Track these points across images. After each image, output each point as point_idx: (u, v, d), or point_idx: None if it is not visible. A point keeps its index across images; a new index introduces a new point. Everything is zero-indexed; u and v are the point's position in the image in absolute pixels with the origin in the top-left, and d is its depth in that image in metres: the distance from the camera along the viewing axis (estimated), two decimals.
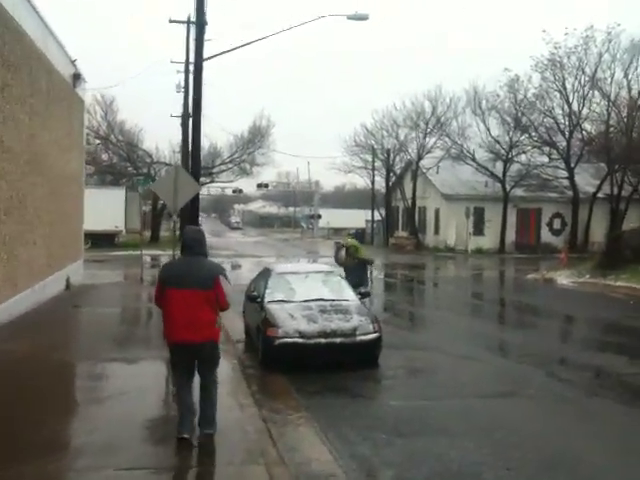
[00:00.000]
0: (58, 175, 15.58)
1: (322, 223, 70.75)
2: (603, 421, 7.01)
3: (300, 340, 8.94)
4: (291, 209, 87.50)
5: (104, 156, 48.29)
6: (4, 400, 6.76)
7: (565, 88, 38.09)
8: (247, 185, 59.74)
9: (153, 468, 5.12)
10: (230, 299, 5.79)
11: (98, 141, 45.75)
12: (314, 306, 9.77)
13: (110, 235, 37.03)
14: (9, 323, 10.96)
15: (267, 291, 10.35)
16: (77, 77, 17.92)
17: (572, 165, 38.59)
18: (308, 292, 10.34)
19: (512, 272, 29.24)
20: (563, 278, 22.48)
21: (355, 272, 14.47)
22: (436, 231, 42.70)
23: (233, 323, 12.11)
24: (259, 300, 10.19)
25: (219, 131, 77.73)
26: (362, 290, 11.50)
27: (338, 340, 9.01)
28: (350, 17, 20.12)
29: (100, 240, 34.24)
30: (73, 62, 17.44)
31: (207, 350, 5.72)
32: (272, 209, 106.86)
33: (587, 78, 37.34)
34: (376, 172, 50.18)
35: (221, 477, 5.03)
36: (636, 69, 36.54)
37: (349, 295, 10.51)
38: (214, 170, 49.85)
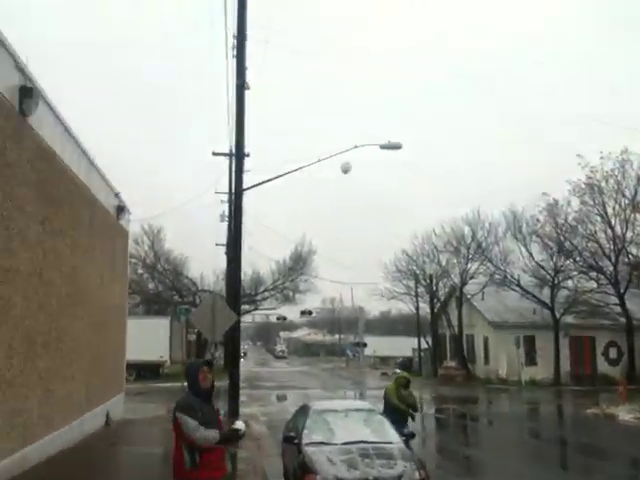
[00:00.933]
0: (100, 307, 15.71)
1: (368, 351, 69.25)
2: None
3: None
4: (336, 336, 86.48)
5: (150, 285, 49.27)
6: None
7: (606, 212, 37.34)
8: (291, 312, 59.63)
9: None
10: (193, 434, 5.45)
11: (142, 270, 46.79)
12: (355, 449, 9.14)
13: (155, 365, 36.64)
14: (43, 463, 10.57)
15: (305, 432, 9.81)
16: (121, 209, 18.54)
17: (622, 290, 37.31)
18: (348, 433, 9.73)
19: (570, 407, 27.57)
20: (625, 414, 20.98)
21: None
22: (486, 361, 41.14)
23: (271, 463, 11.48)
24: (296, 442, 9.63)
25: (262, 258, 79.09)
26: (406, 431, 10.73)
27: None
28: (383, 147, 20.69)
29: (145, 371, 33.98)
30: (117, 195, 18.08)
31: None
32: (317, 336, 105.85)
33: (627, 201, 36.76)
34: (420, 298, 49.64)
35: None
36: None
37: (392, 437, 9.82)
38: (257, 297, 50.09)
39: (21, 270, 10.11)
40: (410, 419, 12.10)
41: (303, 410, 11.24)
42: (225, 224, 39.85)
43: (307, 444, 9.39)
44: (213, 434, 5.52)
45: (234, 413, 18.48)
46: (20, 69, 9.89)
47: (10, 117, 9.59)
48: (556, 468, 13.95)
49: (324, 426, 10.06)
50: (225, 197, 39.08)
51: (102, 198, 16.09)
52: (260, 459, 12.32)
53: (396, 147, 20.82)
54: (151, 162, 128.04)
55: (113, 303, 17.67)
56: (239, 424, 5.74)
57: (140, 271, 46.71)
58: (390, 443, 9.52)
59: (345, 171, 21.00)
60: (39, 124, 10.83)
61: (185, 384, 5.96)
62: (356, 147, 20.89)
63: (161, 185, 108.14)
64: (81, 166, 13.93)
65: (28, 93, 10.08)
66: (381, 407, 12.10)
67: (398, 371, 14.82)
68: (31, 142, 10.59)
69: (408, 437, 10.33)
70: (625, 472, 13.36)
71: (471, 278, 43.84)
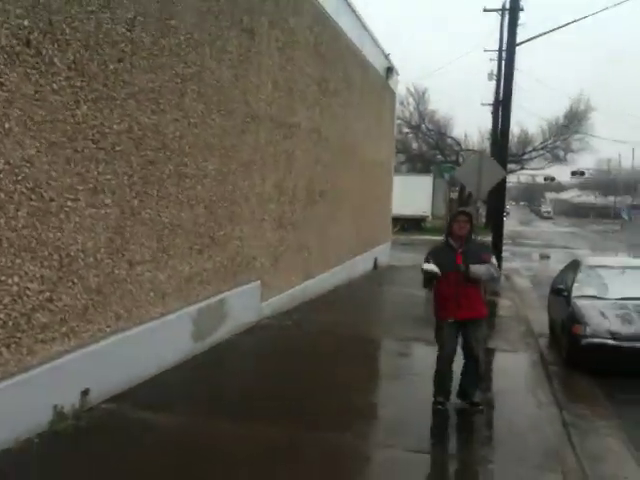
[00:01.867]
0: (368, 162, 16.50)
1: None
2: None
3: (612, 342, 8.00)
4: (611, 199, 79.99)
5: (414, 145, 50.13)
6: (312, 365, 7.38)
7: None
8: (560, 173, 56.21)
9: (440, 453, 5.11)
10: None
11: (408, 130, 47.57)
12: (631, 306, 8.70)
13: (417, 220, 38.21)
14: (321, 296, 11.99)
15: (575, 285, 9.54)
16: (390, 70, 18.74)
17: None
18: (625, 289, 9.26)
19: None
20: None
21: None
22: None
23: (538, 316, 11.53)
24: (566, 294, 9.44)
25: (531, 117, 74.61)
26: None
27: None
28: None
29: (408, 224, 35.65)
30: (387, 56, 18.26)
31: None
32: (588, 198, 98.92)
33: None
34: None
35: (512, 477, 4.73)
36: None
37: None
38: (524, 157, 48.07)
39: (302, 126, 10.96)
40: None
41: (574, 264, 10.88)
42: (493, 83, 38.28)
43: (577, 297, 9.17)
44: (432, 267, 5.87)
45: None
46: None
47: None
48: None
49: (597, 281, 9.70)
50: (494, 55, 37.36)
51: (372, 59, 16.40)
52: (523, 309, 12.41)
53: None
54: (416, 26, 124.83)
55: (380, 159, 18.41)
56: (426, 266, 5.89)
57: (405, 130, 47.52)
58: None
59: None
60: None
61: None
62: None
63: (425, 48, 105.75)
64: (353, 29, 14.22)
65: None
66: None
67: None
68: (310, 6, 11.00)
69: None
70: None
71: None
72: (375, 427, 5.67)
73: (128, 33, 5.80)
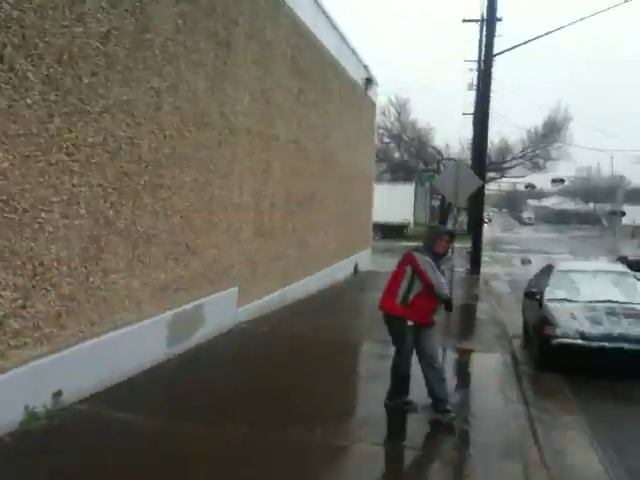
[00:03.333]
0: (348, 171, 16.73)
1: (626, 220, 64.01)
2: None
3: (580, 342, 8.27)
4: (590, 205, 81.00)
5: (396, 154, 50.73)
6: (289, 367, 7.53)
7: None
8: (541, 180, 57.08)
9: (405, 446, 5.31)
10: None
11: (388, 140, 48.18)
12: (600, 307, 9.02)
13: (399, 227, 38.70)
14: (299, 301, 12.16)
15: (548, 288, 9.85)
16: (369, 81, 19.01)
17: None
18: (595, 292, 9.59)
19: None
20: None
21: None
22: None
23: (511, 318, 11.79)
24: (538, 297, 9.72)
25: (511, 127, 75.67)
26: None
27: (627, 346, 8.13)
28: None
29: (390, 231, 36.05)
30: (366, 67, 18.55)
31: None
32: (568, 205, 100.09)
33: None
34: None
35: (474, 468, 4.91)
36: None
37: None
38: (504, 165, 48.74)
39: (280, 138, 11.14)
40: None
41: (547, 269, 11.18)
42: (473, 93, 38.92)
43: (549, 299, 9.45)
44: (446, 288, 5.97)
45: (475, 272, 19.01)
46: None
47: None
48: None
49: (569, 285, 9.98)
50: (473, 66, 38.07)
51: (351, 71, 16.65)
52: (500, 312, 12.66)
53: None
54: (397, 37, 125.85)
55: (360, 168, 18.66)
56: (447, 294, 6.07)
57: (387, 140, 48.07)
58: None
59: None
60: (294, 1, 11.32)
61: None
62: (626, 1, 18.47)
63: (407, 59, 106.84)
64: (332, 41, 14.44)
65: None
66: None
67: None
68: (287, 19, 11.17)
69: None
70: None
71: None
72: (346, 425, 5.82)
73: (102, 47, 5.95)
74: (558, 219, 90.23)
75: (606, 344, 8.17)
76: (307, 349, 8.57)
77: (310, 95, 12.83)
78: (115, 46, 6.14)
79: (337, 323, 10.73)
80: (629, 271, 10.99)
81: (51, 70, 5.26)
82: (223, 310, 8.92)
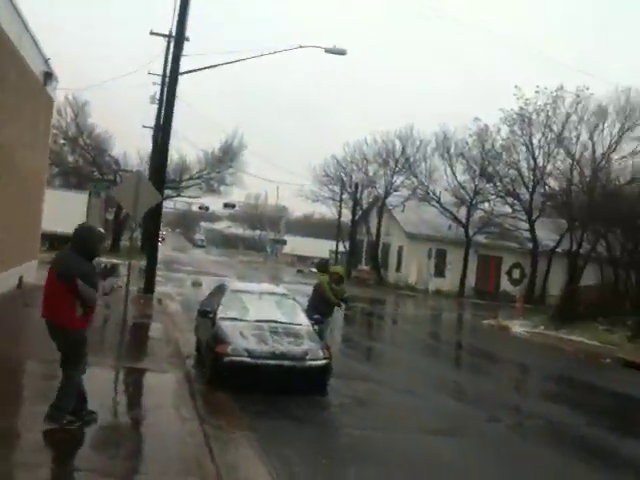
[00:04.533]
0: (20, 171, 15.26)
1: (287, 249, 70.52)
2: (533, 466, 7.10)
3: (248, 359, 8.82)
4: (257, 232, 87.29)
5: (70, 158, 47.54)
6: None
7: (532, 143, 39.25)
8: (214, 203, 59.30)
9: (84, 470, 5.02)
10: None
11: (63, 141, 45.04)
12: (266, 327, 9.71)
13: (69, 238, 36.17)
14: None
15: (220, 307, 10.25)
16: (49, 75, 17.59)
17: (533, 218, 39.50)
18: (261, 312, 10.26)
19: (469, 316, 29.56)
20: (518, 327, 22.76)
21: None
22: (398, 268, 43.09)
23: (185, 338, 11.98)
24: (211, 316, 10.08)
25: (189, 146, 77.67)
26: (315, 316, 11.27)
27: (287, 363, 8.93)
28: (328, 50, 20.41)
29: (58, 242, 33.49)
30: (46, 60, 17.17)
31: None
32: (237, 230, 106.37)
33: (553, 136, 38.58)
34: (343, 204, 50.58)
35: None
36: (602, 132, 37.83)
37: (302, 320, 10.45)
38: (181, 184, 49.38)
39: None
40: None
41: (220, 289, 11.66)
42: (154, 106, 38.72)
43: (221, 318, 9.86)
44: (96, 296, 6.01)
45: (149, 290, 18.87)
46: None
47: None
48: (448, 364, 15.29)
49: (239, 304, 10.53)
50: (157, 79, 37.90)
51: (30, 61, 15.27)
52: (173, 331, 12.80)
53: (341, 53, 20.58)
54: (84, 34, 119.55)
55: (34, 168, 17.18)
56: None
57: (61, 141, 44.79)
58: (299, 325, 10.15)
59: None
60: None
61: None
62: (300, 47, 20.54)
63: (91, 59, 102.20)
64: (12, 27, 13.10)
65: None
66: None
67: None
68: None
69: (316, 321, 10.75)
70: (503, 371, 14.91)
71: (395, 190, 45.19)
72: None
73: None
74: (227, 243, 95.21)
75: (270, 361, 8.86)
76: None
77: None
78: None
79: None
80: (289, 293, 12.06)
81: None
82: None
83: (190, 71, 19.61)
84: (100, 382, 7.91)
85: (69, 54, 68.87)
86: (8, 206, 14.39)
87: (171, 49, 26.57)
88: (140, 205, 14.44)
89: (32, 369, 8.33)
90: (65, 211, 32.91)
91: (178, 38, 19.22)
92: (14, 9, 13.16)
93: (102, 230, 7.23)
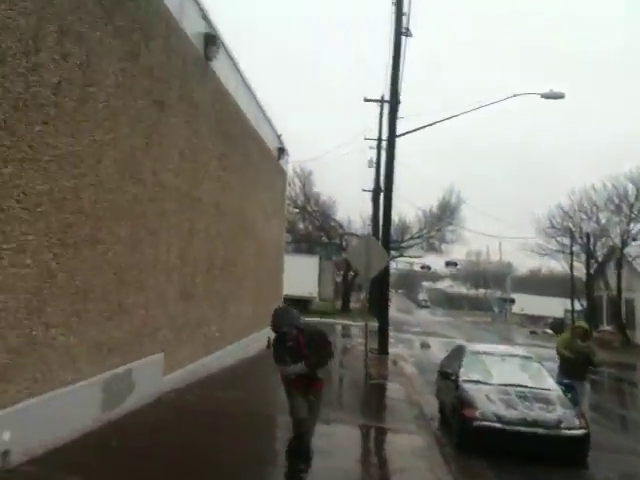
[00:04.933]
0: (263, 239, 16.73)
1: (515, 309, 67.28)
2: None
3: (499, 425, 8.47)
4: (480, 290, 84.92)
5: (301, 225, 51.12)
6: (210, 439, 7.20)
7: None
8: (435, 262, 59.15)
9: None
10: None
11: (297, 210, 48.49)
12: (512, 391, 9.31)
13: (304, 301, 38.35)
14: (219, 372, 11.78)
15: (462, 370, 10.09)
16: (282, 150, 19.41)
17: None
18: (505, 375, 9.90)
19: None
20: None
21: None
22: None
23: (425, 399, 11.92)
24: (453, 378, 9.94)
25: (407, 206, 79.18)
26: (565, 380, 10.50)
27: (541, 431, 8.39)
28: (544, 95, 19.78)
29: (295, 305, 35.70)
30: (279, 137, 18.94)
31: None
32: (460, 289, 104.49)
33: None
34: (575, 257, 47.00)
35: None
36: None
37: (550, 384, 9.87)
38: (403, 244, 50.23)
39: (203, 200, 11.03)
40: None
41: (459, 350, 11.49)
42: (372, 170, 40.06)
43: (464, 381, 9.67)
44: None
45: (383, 352, 19.12)
46: (205, 18, 10.50)
47: (197, 62, 10.32)
48: None
49: (480, 367, 10.25)
50: (373, 143, 39.20)
51: (267, 139, 16.95)
52: (413, 393, 12.79)
53: (559, 97, 19.86)
54: (305, 113, 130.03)
55: (273, 237, 18.71)
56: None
57: (295, 210, 48.39)
58: (548, 390, 9.57)
59: None
60: (219, 68, 11.52)
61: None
62: (515, 96, 20.18)
63: (311, 131, 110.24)
64: (250, 108, 14.69)
65: (212, 40, 10.66)
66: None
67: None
68: (213, 84, 11.32)
69: (566, 386, 10.05)
70: None
71: (633, 239, 40.86)
72: None
73: (54, 97, 5.77)
74: (451, 302, 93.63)
75: (522, 428, 8.40)
76: (231, 421, 8.26)
77: (231, 159, 12.84)
78: (64, 97, 5.96)
79: (258, 397, 10.50)
80: (533, 356, 11.47)
81: (7, 115, 5.03)
82: (151, 376, 8.51)
83: (406, 133, 20.03)
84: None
85: (291, 127, 74.80)
86: (258, 273, 15.84)
87: (385, 114, 27.61)
88: (372, 265, 15.01)
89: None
90: (299, 275, 35.14)
91: (392, 104, 19.81)
92: (251, 93, 14.71)
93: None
